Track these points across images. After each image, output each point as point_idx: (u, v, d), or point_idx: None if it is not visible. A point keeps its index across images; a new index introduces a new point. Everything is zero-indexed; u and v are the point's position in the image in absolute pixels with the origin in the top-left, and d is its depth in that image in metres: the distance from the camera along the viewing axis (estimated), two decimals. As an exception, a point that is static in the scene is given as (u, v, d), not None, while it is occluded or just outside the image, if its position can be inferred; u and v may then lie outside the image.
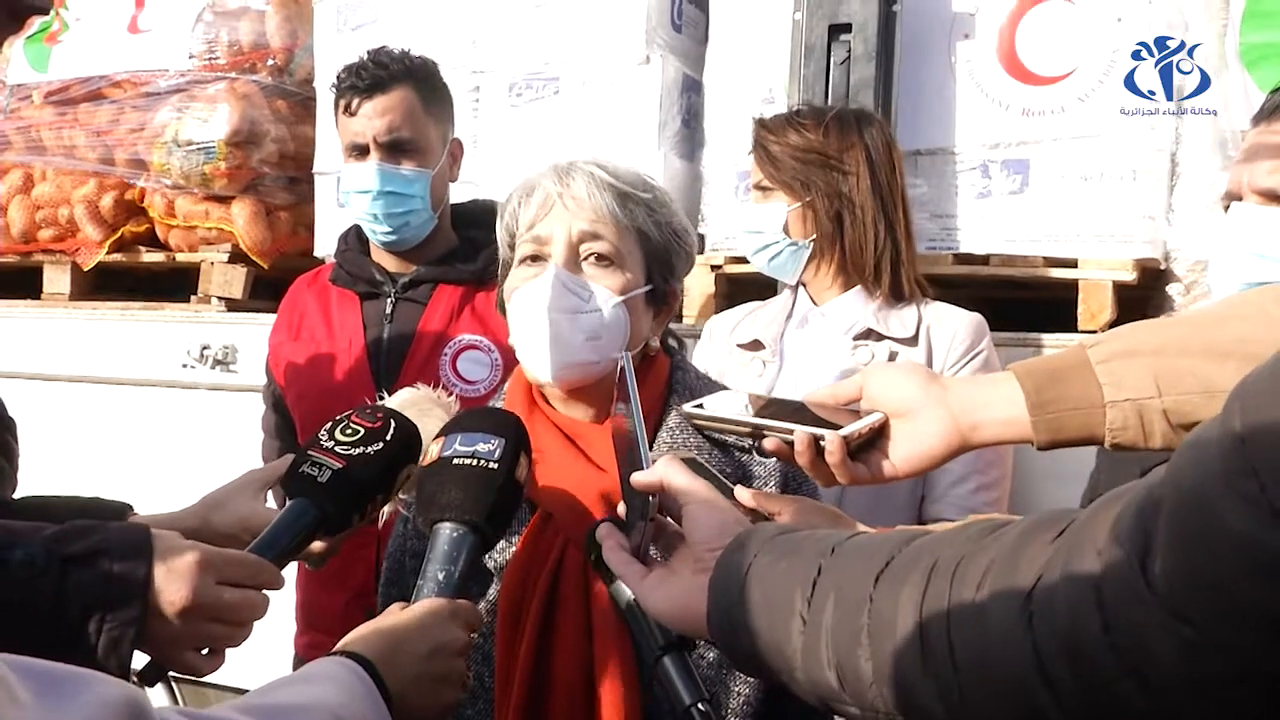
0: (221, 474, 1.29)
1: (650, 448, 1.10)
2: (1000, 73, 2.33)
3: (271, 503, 1.29)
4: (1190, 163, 2.22)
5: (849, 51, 2.30)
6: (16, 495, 1.47)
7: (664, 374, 1.32)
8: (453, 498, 1.01)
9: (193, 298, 3.10)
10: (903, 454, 0.99)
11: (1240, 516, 0.49)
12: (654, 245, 1.27)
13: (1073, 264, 2.27)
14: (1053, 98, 2.28)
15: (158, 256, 3.24)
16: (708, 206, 2.63)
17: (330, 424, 1.12)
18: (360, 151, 2.01)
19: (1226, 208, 1.43)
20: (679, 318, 2.34)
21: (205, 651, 0.97)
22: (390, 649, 0.88)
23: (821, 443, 0.98)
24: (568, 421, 1.27)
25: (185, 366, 2.94)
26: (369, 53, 2.02)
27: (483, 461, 1.03)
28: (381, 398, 1.36)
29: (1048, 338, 2.19)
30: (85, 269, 3.23)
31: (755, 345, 1.95)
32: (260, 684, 0.80)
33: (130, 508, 1.24)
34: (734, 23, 2.61)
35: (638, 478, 0.90)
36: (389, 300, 2.05)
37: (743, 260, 2.14)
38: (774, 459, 1.21)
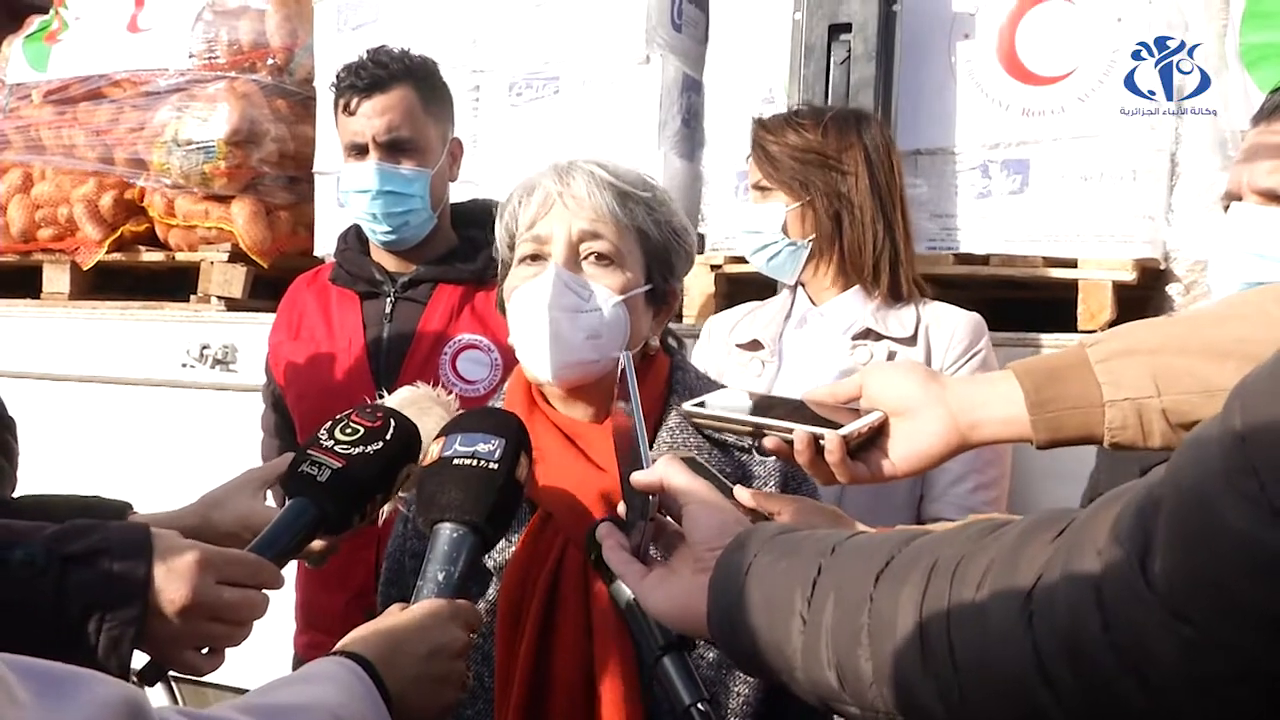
0: (221, 474, 1.29)
1: (650, 447, 1.10)
2: (1000, 73, 2.33)
3: (271, 501, 1.29)
4: (1190, 163, 2.22)
5: (849, 51, 2.30)
6: (16, 494, 1.47)
7: (664, 373, 1.32)
8: (453, 498, 1.01)
9: (192, 297, 3.10)
10: (902, 453, 0.99)
11: (1240, 515, 0.49)
12: (654, 244, 1.27)
13: (1072, 264, 2.27)
14: (1053, 98, 2.28)
15: (157, 256, 3.23)
16: (708, 206, 2.63)
17: (330, 423, 1.12)
18: (360, 151, 2.01)
19: (1226, 208, 1.43)
20: (679, 318, 2.34)
21: (205, 651, 0.97)
22: (390, 649, 0.88)
23: (821, 442, 0.98)
24: (568, 421, 1.27)
25: (185, 366, 2.95)
26: (369, 52, 2.02)
27: (483, 462, 1.03)
28: (381, 397, 1.36)
29: (1047, 338, 2.19)
30: (85, 268, 3.22)
31: (754, 345, 1.95)
32: (260, 684, 0.80)
33: (130, 506, 1.24)
34: (734, 22, 2.61)
35: (638, 477, 0.90)
36: (388, 300, 2.05)
37: (742, 260, 2.14)
38: (774, 459, 1.21)
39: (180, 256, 3.18)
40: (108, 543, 0.93)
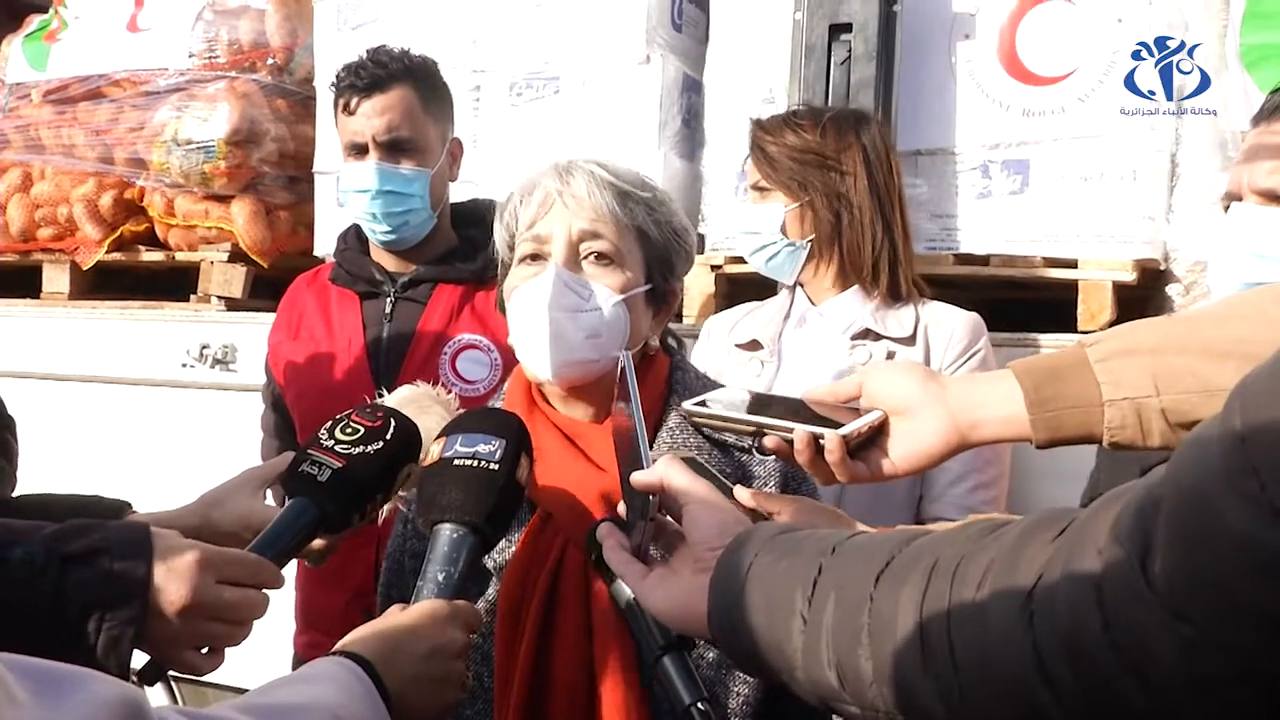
0: (221, 473, 1.29)
1: (650, 447, 1.10)
2: (1000, 73, 2.33)
3: (271, 501, 1.29)
4: (1190, 163, 2.22)
5: (849, 51, 2.30)
6: (16, 494, 1.46)
7: (664, 373, 1.32)
8: (453, 499, 1.01)
9: (192, 297, 3.10)
10: (902, 452, 0.99)
11: (1241, 515, 0.49)
12: (654, 244, 1.27)
13: (1072, 264, 2.27)
14: (1053, 98, 2.28)
15: (157, 256, 3.23)
16: (708, 206, 2.63)
17: (330, 423, 1.12)
18: (359, 150, 2.01)
19: (1226, 208, 1.43)
20: (679, 318, 2.34)
21: (205, 651, 0.97)
22: (389, 650, 0.88)
23: (821, 441, 0.98)
24: (567, 421, 1.27)
25: (185, 366, 2.94)
26: (368, 52, 2.02)
27: (483, 463, 1.03)
28: (381, 397, 1.36)
29: (1047, 338, 2.19)
30: (84, 268, 3.22)
31: (753, 345, 1.95)
32: (260, 684, 0.80)
33: (129, 506, 1.24)
34: (734, 22, 2.61)
35: (638, 477, 0.90)
36: (388, 300, 2.05)
37: (742, 260, 2.14)
38: (774, 459, 1.21)
39: (180, 256, 3.17)
40: (107, 542, 0.93)
